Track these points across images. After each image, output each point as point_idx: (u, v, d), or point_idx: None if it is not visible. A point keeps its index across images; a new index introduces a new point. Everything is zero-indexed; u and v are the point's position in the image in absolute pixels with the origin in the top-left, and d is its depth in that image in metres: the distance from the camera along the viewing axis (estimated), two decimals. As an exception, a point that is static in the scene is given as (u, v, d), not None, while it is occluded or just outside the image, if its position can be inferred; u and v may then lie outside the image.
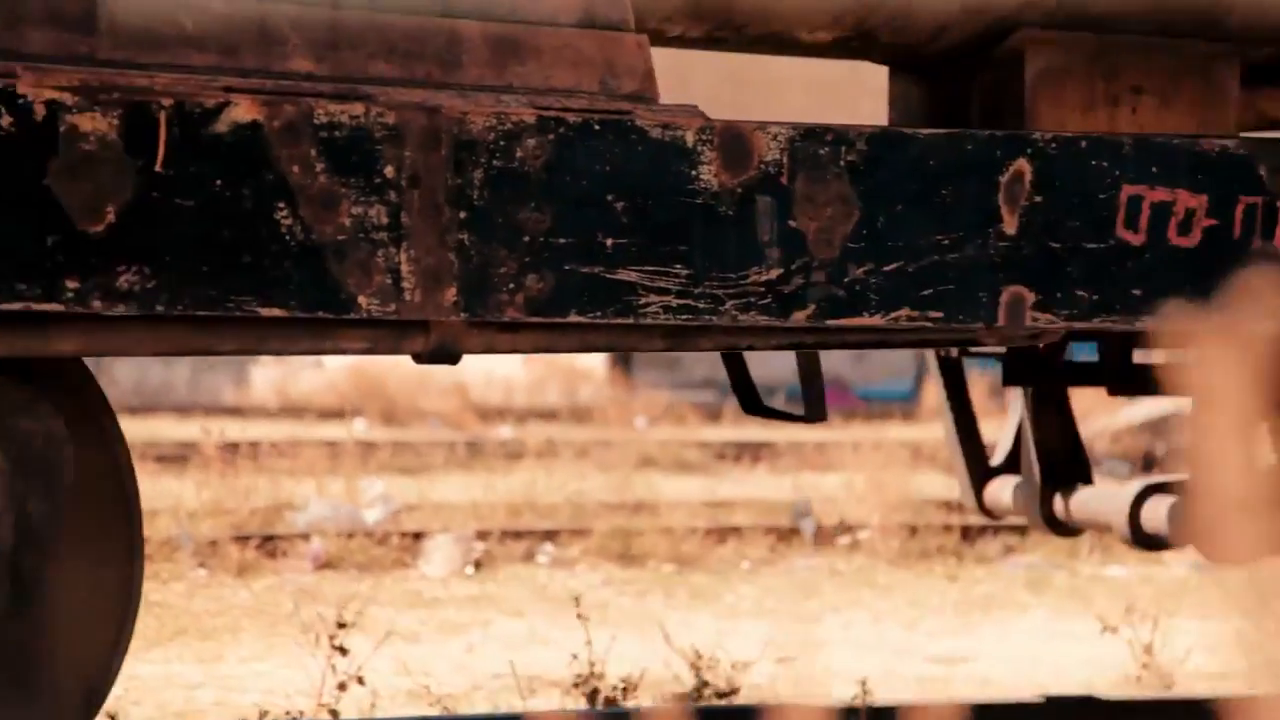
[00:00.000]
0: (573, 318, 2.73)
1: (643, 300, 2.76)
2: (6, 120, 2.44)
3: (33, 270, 2.46)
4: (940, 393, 4.99)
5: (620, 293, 2.75)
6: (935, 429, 14.29)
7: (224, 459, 9.27)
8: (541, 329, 2.78)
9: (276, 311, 2.59)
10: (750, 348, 2.90)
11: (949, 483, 11.14)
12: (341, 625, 4.47)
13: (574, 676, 4.85)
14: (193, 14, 2.63)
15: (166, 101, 2.52)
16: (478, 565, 7.85)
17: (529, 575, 7.81)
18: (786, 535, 8.69)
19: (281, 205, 2.59)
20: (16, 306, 2.45)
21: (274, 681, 5.56)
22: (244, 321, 2.63)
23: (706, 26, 3.61)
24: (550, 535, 8.27)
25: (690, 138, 2.77)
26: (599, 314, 2.74)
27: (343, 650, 4.46)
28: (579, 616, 4.80)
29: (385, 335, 2.70)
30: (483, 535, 8.11)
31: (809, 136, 2.83)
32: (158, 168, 2.52)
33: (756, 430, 14.71)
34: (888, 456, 11.00)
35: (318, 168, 2.60)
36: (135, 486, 2.95)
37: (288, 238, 2.59)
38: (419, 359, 2.76)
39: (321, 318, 2.63)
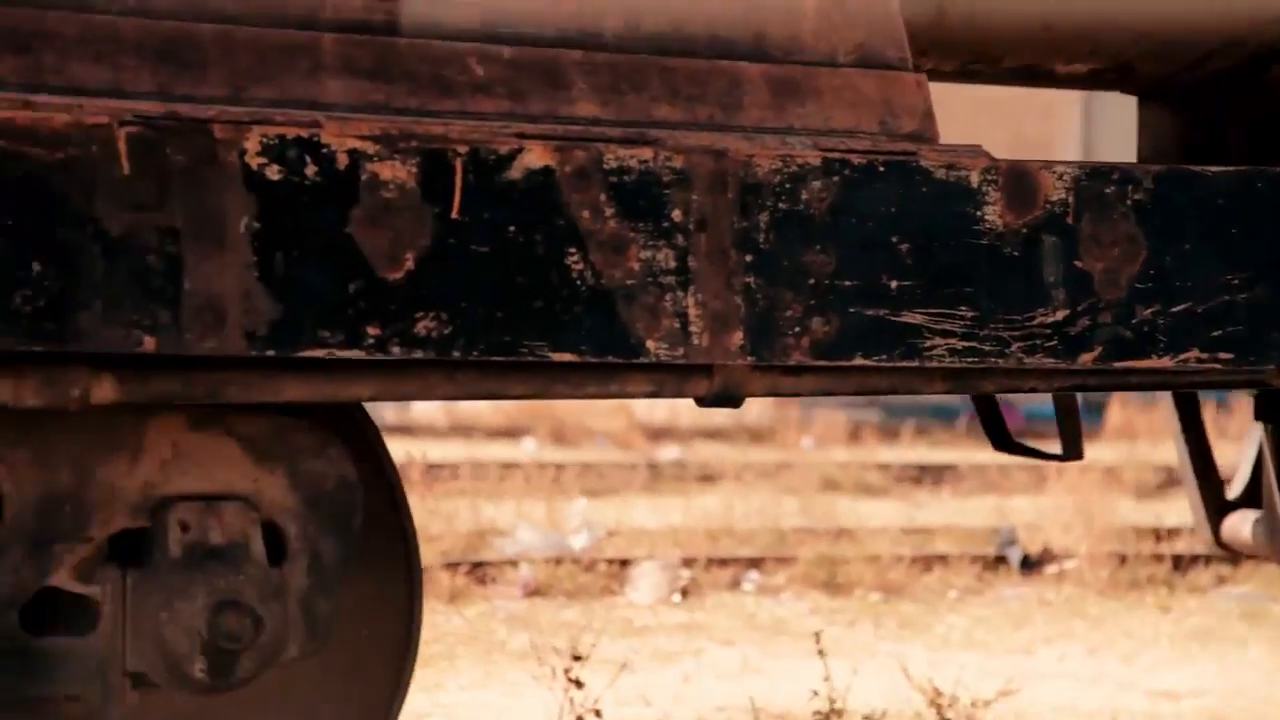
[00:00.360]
0: (857, 361, 2.71)
1: (928, 343, 2.73)
2: (311, 169, 2.48)
3: (335, 318, 2.49)
4: (1174, 424, 4.89)
5: (905, 335, 2.72)
6: (1120, 451, 14.01)
7: (424, 482, 9.36)
8: (824, 372, 2.76)
9: (567, 356, 2.60)
10: (1033, 390, 2.85)
11: (1152, 509, 10.93)
12: (577, 658, 4.48)
13: (813, 714, 4.81)
14: (484, 61, 2.65)
15: (462, 149, 2.54)
16: (684, 593, 7.85)
17: (736, 603, 7.79)
18: (991, 563, 8.57)
19: (572, 250, 2.60)
20: (320, 354, 2.49)
21: (496, 711, 5.60)
22: (534, 366, 2.64)
23: (961, 60, 3.58)
24: (755, 562, 8.24)
25: (975, 178, 2.74)
26: (884, 357, 2.72)
27: (579, 683, 4.47)
28: (819, 653, 4.77)
29: (670, 378, 2.70)
30: (688, 562, 8.10)
31: (1095, 175, 2.78)
32: (454, 214, 2.55)
33: (933, 451, 14.54)
34: (1080, 480, 10.82)
35: (607, 212, 2.61)
36: (413, 526, 2.98)
37: (578, 283, 2.60)
38: (701, 402, 2.75)
39: (610, 362, 2.63)
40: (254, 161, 2.45)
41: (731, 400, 2.74)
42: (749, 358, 2.67)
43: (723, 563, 8.19)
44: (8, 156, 2.32)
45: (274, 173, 2.46)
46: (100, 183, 2.37)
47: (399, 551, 2.95)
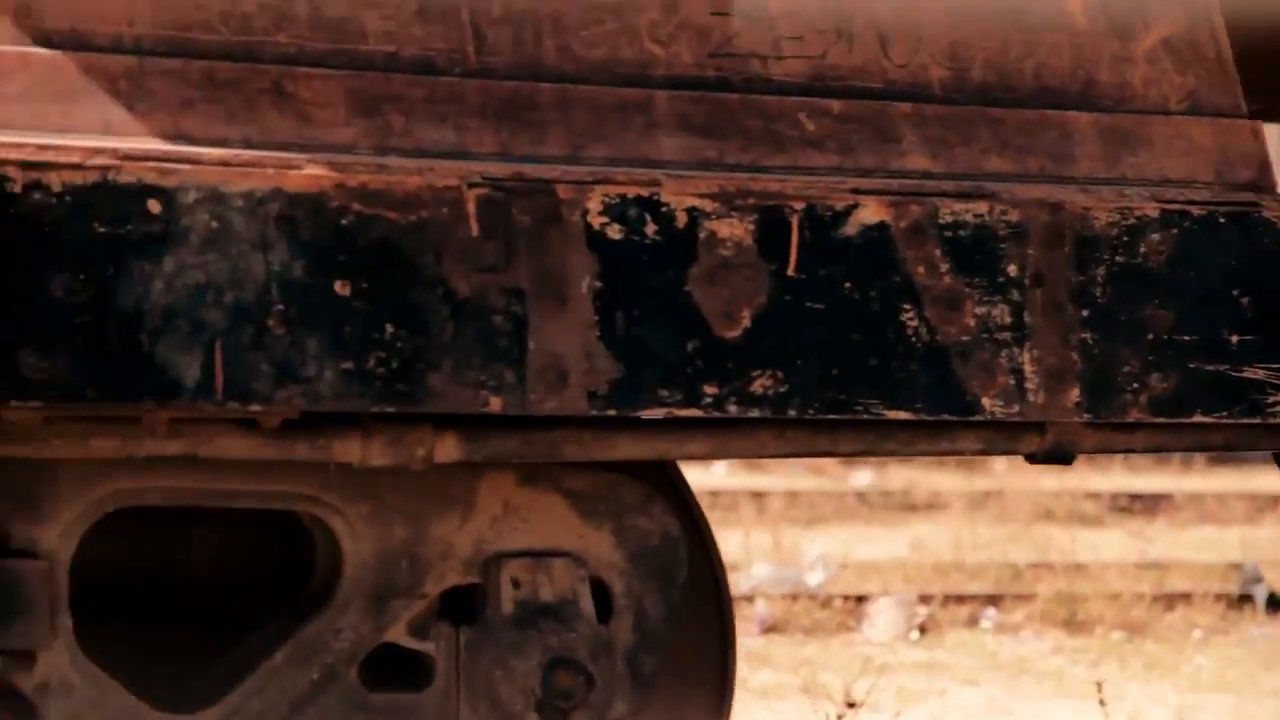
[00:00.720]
0: (1196, 418, 2.64)
1: (1270, 399, 2.65)
2: (651, 228, 2.47)
3: (674, 377, 2.48)
4: None
5: (1246, 391, 2.65)
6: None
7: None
8: (1160, 429, 2.69)
9: (902, 414, 2.57)
10: (1376, 446, 2.76)
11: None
12: (851, 705, 4.44)
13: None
14: (813, 115, 2.63)
15: (798, 205, 2.52)
16: (922, 630, 7.76)
17: (975, 641, 7.68)
18: (1235, 601, 8.35)
19: (907, 306, 2.56)
20: (660, 413, 2.48)
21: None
22: (866, 424, 2.61)
23: (1269, 101, 3.49)
24: (992, 599, 8.12)
25: (1318, 229, 2.66)
26: (1223, 414, 2.64)
27: (851, 729, 4.43)
28: (1100, 703, 4.67)
29: (1000, 436, 2.66)
30: (924, 598, 8.01)
31: None
32: (790, 271, 2.53)
33: (1144, 479, 14.22)
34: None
35: (942, 268, 2.57)
36: (726, 581, 2.96)
37: (913, 339, 2.56)
38: (1032, 459, 2.70)
39: (944, 420, 2.59)
40: (596, 221, 2.45)
41: (1063, 458, 2.68)
42: (1085, 415, 2.62)
43: (959, 599, 8.08)
44: (363, 220, 2.35)
45: (615, 232, 2.46)
46: (450, 244, 2.38)
47: (712, 607, 2.93)
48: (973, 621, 7.98)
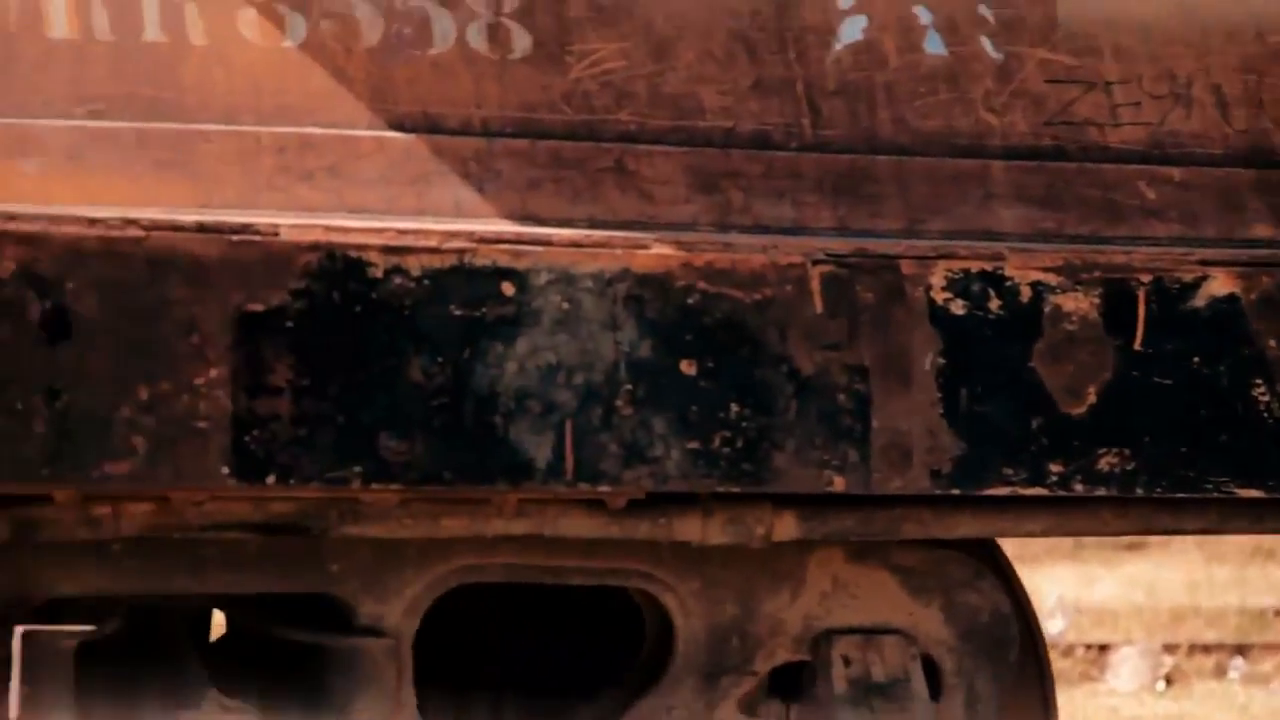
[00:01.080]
0: None
1: None
2: (994, 303, 2.42)
3: (1018, 455, 2.43)
4: None
5: None
6: None
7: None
8: None
9: (1253, 492, 2.48)
10: None
11: None
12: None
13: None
14: (1154, 183, 2.56)
15: (1144, 277, 2.46)
16: (1168, 680, 7.58)
17: (1224, 692, 7.48)
18: None
19: (1258, 381, 2.48)
20: (1004, 491, 2.42)
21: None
22: (1212, 501, 2.53)
23: None
24: (1240, 648, 7.91)
25: None
26: None
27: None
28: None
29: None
30: (1169, 648, 7.82)
31: None
32: (1136, 346, 2.46)
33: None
34: None
35: (1293, 341, 2.49)
36: (1047, 655, 2.89)
37: (1265, 415, 2.48)
38: (1384, 537, 2.60)
39: (1297, 497, 2.51)
40: (939, 296, 2.41)
41: None
42: None
43: (1205, 648, 7.89)
44: (708, 298, 2.33)
45: (958, 307, 2.41)
46: (794, 322, 2.35)
47: (1036, 681, 2.86)
48: (1220, 672, 7.78)
